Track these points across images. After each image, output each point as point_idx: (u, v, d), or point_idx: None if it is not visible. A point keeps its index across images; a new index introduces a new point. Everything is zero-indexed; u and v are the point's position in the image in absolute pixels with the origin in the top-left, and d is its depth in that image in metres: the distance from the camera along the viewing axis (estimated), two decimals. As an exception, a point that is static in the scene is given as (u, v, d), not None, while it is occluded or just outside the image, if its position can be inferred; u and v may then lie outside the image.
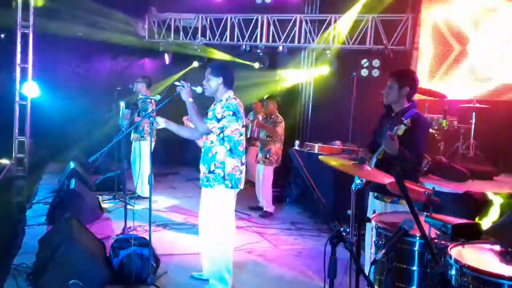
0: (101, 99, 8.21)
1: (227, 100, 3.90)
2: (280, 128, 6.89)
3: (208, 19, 10.27)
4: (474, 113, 6.53)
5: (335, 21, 9.30)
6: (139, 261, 4.01)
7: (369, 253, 3.17)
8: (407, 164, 3.28)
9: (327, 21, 9.40)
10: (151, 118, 3.87)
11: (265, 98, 7.33)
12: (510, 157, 6.61)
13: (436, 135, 6.57)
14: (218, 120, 3.83)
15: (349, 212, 2.98)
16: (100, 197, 6.82)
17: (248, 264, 4.83)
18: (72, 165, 7.13)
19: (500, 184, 5.65)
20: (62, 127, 9.15)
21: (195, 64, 10.38)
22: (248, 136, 7.61)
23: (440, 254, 2.39)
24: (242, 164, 3.96)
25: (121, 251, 4.09)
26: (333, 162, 3.11)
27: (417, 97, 4.44)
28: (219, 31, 10.22)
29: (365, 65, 8.79)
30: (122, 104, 6.50)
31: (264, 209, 6.95)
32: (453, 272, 2.25)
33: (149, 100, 6.55)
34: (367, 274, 2.38)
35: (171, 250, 5.01)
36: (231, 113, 3.83)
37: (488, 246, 2.48)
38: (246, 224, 6.33)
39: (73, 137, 9.21)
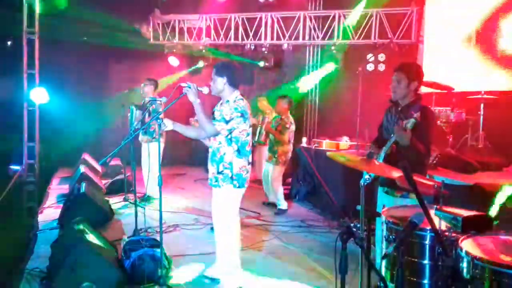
0: (109, 103, 8.29)
1: (234, 101, 3.90)
2: (288, 134, 6.86)
3: (212, 19, 10.29)
4: (482, 104, 6.47)
5: (339, 17, 9.28)
6: (150, 262, 4.04)
7: (380, 247, 3.17)
8: (418, 156, 3.27)
9: (331, 17, 9.39)
10: (158, 120, 3.89)
11: (278, 97, 7.19)
12: (520, 148, 6.53)
13: (444, 127, 6.53)
14: (227, 122, 3.84)
15: (359, 207, 2.97)
16: (110, 199, 6.87)
17: (259, 262, 4.84)
18: (81, 169, 7.18)
19: (510, 174, 5.60)
20: (71, 132, 9.22)
21: (200, 64, 10.40)
22: (256, 139, 7.58)
23: (451, 247, 2.38)
24: (249, 163, 3.99)
25: (133, 252, 4.12)
26: (341, 158, 3.10)
27: (423, 89, 4.40)
28: (223, 31, 10.24)
29: (370, 60, 8.75)
30: (133, 107, 6.53)
31: (278, 207, 6.99)
32: (465, 264, 2.24)
33: (158, 102, 6.58)
34: (378, 269, 2.38)
35: (183, 251, 5.03)
36: (239, 114, 3.84)
37: (499, 237, 2.46)
38: (256, 222, 6.34)
39: (82, 141, 9.28)
